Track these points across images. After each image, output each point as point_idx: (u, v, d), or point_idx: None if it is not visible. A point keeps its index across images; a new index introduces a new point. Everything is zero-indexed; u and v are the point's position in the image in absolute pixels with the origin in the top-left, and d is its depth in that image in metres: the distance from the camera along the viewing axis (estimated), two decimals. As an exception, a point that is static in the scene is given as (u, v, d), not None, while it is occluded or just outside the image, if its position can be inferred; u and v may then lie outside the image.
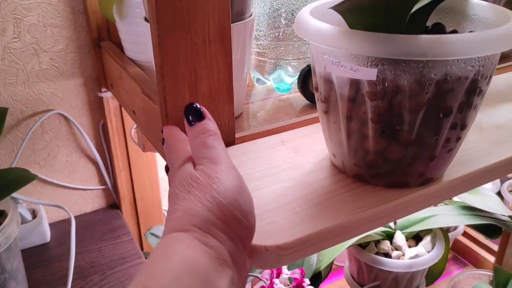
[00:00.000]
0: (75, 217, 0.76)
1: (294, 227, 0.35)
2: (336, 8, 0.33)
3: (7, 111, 0.64)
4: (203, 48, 0.42)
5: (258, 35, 0.61)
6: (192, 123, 0.36)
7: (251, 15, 0.52)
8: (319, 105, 0.41)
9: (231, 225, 0.31)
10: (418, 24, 0.41)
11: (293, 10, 0.60)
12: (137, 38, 0.63)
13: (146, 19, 0.52)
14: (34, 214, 0.77)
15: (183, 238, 0.29)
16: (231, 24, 0.43)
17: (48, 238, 0.78)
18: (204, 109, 0.37)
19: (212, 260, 0.28)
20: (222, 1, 0.41)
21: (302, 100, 0.60)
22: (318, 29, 0.35)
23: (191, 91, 0.43)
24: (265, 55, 0.62)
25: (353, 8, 0.34)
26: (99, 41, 0.73)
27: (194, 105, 0.37)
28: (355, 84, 0.36)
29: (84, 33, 0.73)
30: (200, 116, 0.36)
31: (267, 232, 0.35)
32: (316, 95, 0.42)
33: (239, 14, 0.50)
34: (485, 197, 0.89)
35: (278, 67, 0.62)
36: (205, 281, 0.27)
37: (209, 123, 0.36)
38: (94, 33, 0.72)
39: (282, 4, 0.60)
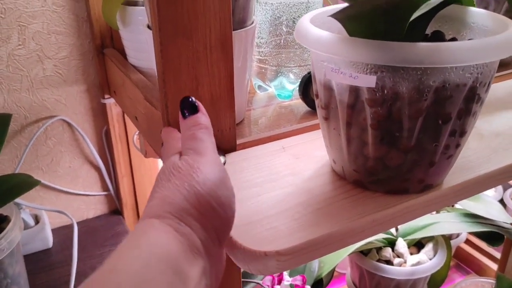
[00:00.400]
0: (78, 223, 0.76)
1: (294, 233, 0.35)
2: (336, 16, 0.34)
3: (11, 117, 0.64)
4: (204, 55, 0.43)
5: (260, 42, 0.62)
6: (186, 115, 0.36)
7: (252, 22, 0.53)
8: (320, 111, 0.41)
9: (207, 215, 0.31)
10: (417, 32, 0.41)
11: (294, 18, 0.61)
12: (140, 45, 0.64)
13: (148, 27, 0.52)
14: (36, 219, 0.78)
15: (156, 224, 0.29)
16: (233, 32, 0.43)
17: (50, 244, 0.78)
18: (199, 104, 0.37)
19: (183, 248, 0.29)
20: (224, 9, 0.42)
21: (303, 107, 0.60)
22: (318, 37, 0.36)
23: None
24: (267, 62, 0.62)
25: (352, 16, 0.34)
26: (102, 48, 0.73)
27: (190, 99, 0.37)
28: (354, 91, 0.36)
29: (88, 40, 0.74)
30: (194, 110, 0.36)
31: (267, 238, 0.35)
32: (317, 102, 0.42)
33: (241, 21, 0.51)
34: (487, 204, 0.89)
35: (280, 74, 0.63)
36: (175, 268, 0.27)
37: (202, 117, 0.36)
38: (98, 40, 0.73)
39: (284, 12, 0.60)
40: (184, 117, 0.36)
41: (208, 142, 0.35)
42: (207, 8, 0.41)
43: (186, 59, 0.42)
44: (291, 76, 0.63)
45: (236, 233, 0.35)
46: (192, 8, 0.40)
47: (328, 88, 0.38)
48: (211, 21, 0.42)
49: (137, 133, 0.77)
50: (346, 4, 0.38)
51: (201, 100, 0.44)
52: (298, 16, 0.61)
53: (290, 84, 0.64)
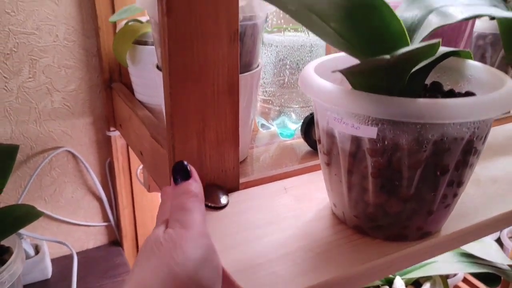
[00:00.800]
0: (77, 253, 0.77)
1: (295, 278, 0.36)
2: (339, 70, 0.35)
3: (18, 149, 0.66)
4: (212, 98, 0.44)
5: (264, 82, 0.64)
6: (178, 181, 0.35)
7: (258, 66, 0.55)
8: (322, 156, 0.43)
9: None
10: (417, 82, 0.43)
11: (297, 60, 0.63)
12: (147, 82, 0.65)
13: (158, 67, 0.54)
14: (37, 249, 0.78)
15: None
16: (239, 75, 0.45)
17: (49, 274, 0.78)
18: (192, 169, 0.36)
19: None
20: (232, 55, 0.44)
21: (305, 146, 0.62)
22: (322, 88, 0.37)
23: (199, 139, 0.45)
24: (270, 102, 0.64)
25: (355, 71, 0.36)
26: (110, 83, 0.75)
27: (183, 164, 0.36)
28: (356, 140, 0.37)
29: (96, 74, 0.76)
30: (186, 175, 0.36)
31: (269, 283, 0.36)
32: (319, 147, 0.43)
33: (247, 65, 0.53)
34: (484, 244, 0.90)
35: (282, 113, 0.65)
36: None
37: (193, 184, 0.35)
38: (106, 75, 0.75)
39: (287, 54, 0.62)
40: (176, 182, 0.35)
41: (196, 213, 0.34)
42: (216, 53, 0.43)
43: (194, 102, 0.43)
44: (293, 116, 0.65)
45: (239, 277, 0.36)
46: (203, 53, 0.42)
47: (331, 136, 0.40)
48: (219, 66, 0.43)
49: (141, 167, 0.78)
50: (347, 56, 0.40)
51: (207, 141, 0.46)
52: (302, 59, 0.63)
53: (292, 124, 0.65)
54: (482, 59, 0.73)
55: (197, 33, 0.41)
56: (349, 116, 0.37)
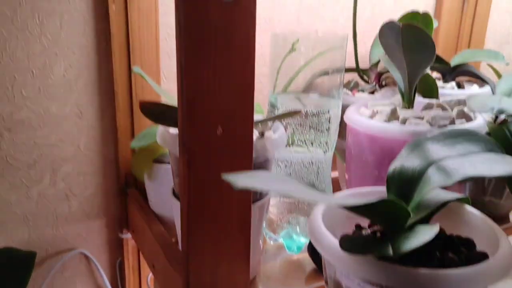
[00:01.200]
0: None
1: None
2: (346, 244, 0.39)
3: (35, 256, 0.68)
4: (225, 234, 0.47)
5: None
6: None
7: (267, 193, 0.58)
8: (329, 300, 0.45)
9: None
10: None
11: (305, 178, 0.66)
12: (163, 197, 0.69)
13: (174, 193, 0.57)
14: None
15: None
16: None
17: None
18: None
19: None
20: (245, 197, 0.47)
21: (311, 263, 0.64)
22: (330, 246, 0.40)
23: (212, 273, 0.48)
24: (278, 219, 0.67)
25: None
26: (125, 188, 0.79)
27: None
28: (362, 296, 0.40)
29: (112, 179, 0.79)
30: None
31: None
32: (326, 288, 0.46)
33: (257, 193, 0.56)
34: None
35: (288, 226, 0.67)
36: None
37: None
38: (122, 180, 0.78)
39: (294, 170, 0.66)
40: None
41: None
42: (231, 197, 0.46)
43: (209, 240, 0.46)
44: (298, 228, 0.67)
45: None
46: (219, 197, 0.45)
47: (338, 285, 0.42)
48: (233, 208, 0.47)
49: (151, 274, 0.80)
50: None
51: (219, 274, 0.48)
52: (307, 177, 0.66)
53: (299, 237, 0.68)
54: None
55: (215, 181, 0.45)
56: (354, 275, 0.39)
